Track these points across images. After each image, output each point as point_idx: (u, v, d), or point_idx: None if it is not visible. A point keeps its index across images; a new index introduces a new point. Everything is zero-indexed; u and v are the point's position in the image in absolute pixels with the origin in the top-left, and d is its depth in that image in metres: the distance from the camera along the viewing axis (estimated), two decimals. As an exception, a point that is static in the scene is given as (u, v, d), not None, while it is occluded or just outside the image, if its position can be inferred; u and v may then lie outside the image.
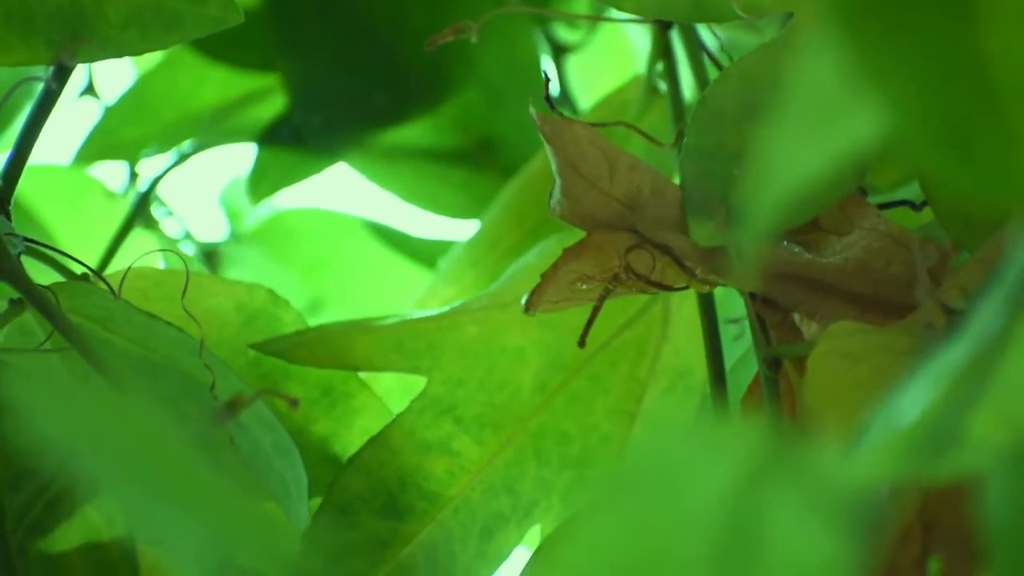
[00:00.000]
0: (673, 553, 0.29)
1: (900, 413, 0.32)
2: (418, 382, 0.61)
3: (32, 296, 0.51)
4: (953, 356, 0.32)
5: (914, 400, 0.32)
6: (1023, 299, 0.31)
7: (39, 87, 0.58)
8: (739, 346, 0.61)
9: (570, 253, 0.50)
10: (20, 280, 0.51)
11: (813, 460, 0.30)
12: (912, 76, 0.29)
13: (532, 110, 0.50)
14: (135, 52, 0.55)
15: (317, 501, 0.59)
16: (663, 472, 0.30)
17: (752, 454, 0.30)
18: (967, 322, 0.33)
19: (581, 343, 0.51)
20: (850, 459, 0.31)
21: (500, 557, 0.60)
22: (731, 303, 0.61)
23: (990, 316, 0.32)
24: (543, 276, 0.50)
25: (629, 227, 0.50)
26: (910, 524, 0.41)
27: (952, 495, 0.40)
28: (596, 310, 0.49)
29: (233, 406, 0.46)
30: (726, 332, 0.58)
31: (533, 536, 0.61)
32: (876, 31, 0.29)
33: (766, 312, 0.50)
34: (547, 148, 0.50)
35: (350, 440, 0.62)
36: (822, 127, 0.30)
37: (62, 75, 0.58)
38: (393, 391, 0.66)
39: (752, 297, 0.51)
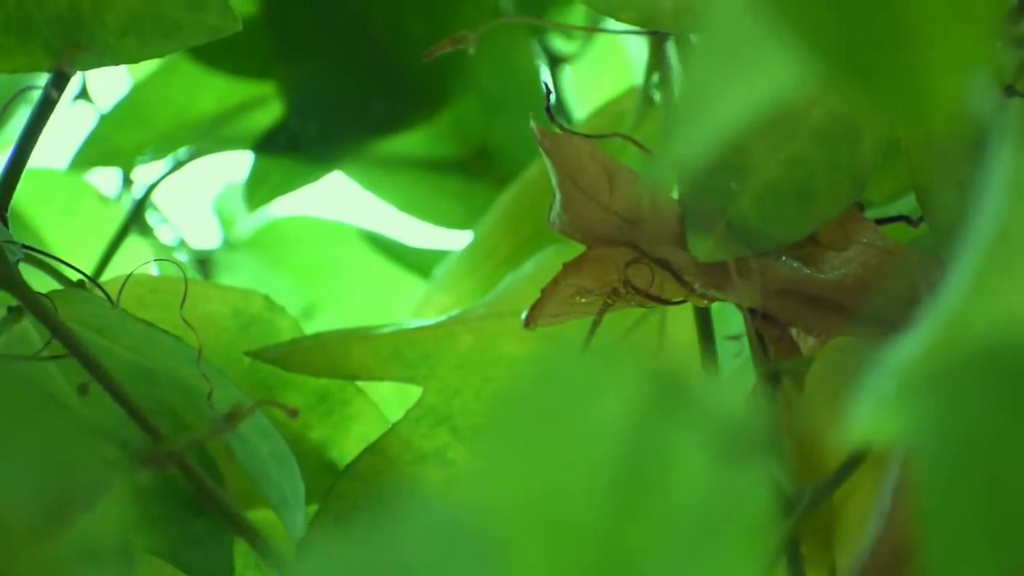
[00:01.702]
0: (568, 488, 0.29)
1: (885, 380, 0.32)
2: (414, 391, 0.61)
3: (31, 304, 0.51)
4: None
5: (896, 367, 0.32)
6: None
7: (36, 97, 0.58)
8: (737, 363, 0.61)
9: (570, 268, 0.50)
10: (19, 288, 0.51)
11: (707, 393, 0.30)
12: (824, 5, 0.29)
13: (532, 124, 0.50)
14: (133, 59, 0.56)
15: (313, 508, 0.59)
16: (557, 406, 0.30)
17: (646, 388, 0.30)
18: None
19: (581, 358, 0.51)
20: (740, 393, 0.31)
21: (495, 567, 0.60)
22: (728, 318, 0.61)
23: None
24: (543, 291, 0.50)
25: (628, 241, 0.50)
26: (909, 542, 0.41)
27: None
28: (595, 324, 0.50)
29: (232, 417, 0.46)
30: (725, 349, 0.58)
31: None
32: None
33: (765, 328, 0.51)
34: (547, 162, 0.50)
35: (347, 447, 0.62)
36: (738, 67, 0.30)
37: (60, 82, 0.58)
38: (390, 399, 0.67)
39: (751, 313, 0.51)
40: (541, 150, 0.50)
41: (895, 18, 0.29)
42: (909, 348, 0.31)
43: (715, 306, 0.56)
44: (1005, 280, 0.31)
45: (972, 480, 0.29)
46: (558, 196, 0.51)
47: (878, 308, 0.50)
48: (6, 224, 0.57)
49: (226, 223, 0.98)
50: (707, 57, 0.31)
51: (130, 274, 0.57)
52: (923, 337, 0.31)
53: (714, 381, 0.30)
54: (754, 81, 0.30)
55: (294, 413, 0.47)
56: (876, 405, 0.31)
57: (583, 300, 0.50)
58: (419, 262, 0.90)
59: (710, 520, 0.29)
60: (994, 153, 0.31)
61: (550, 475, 0.29)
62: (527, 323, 0.50)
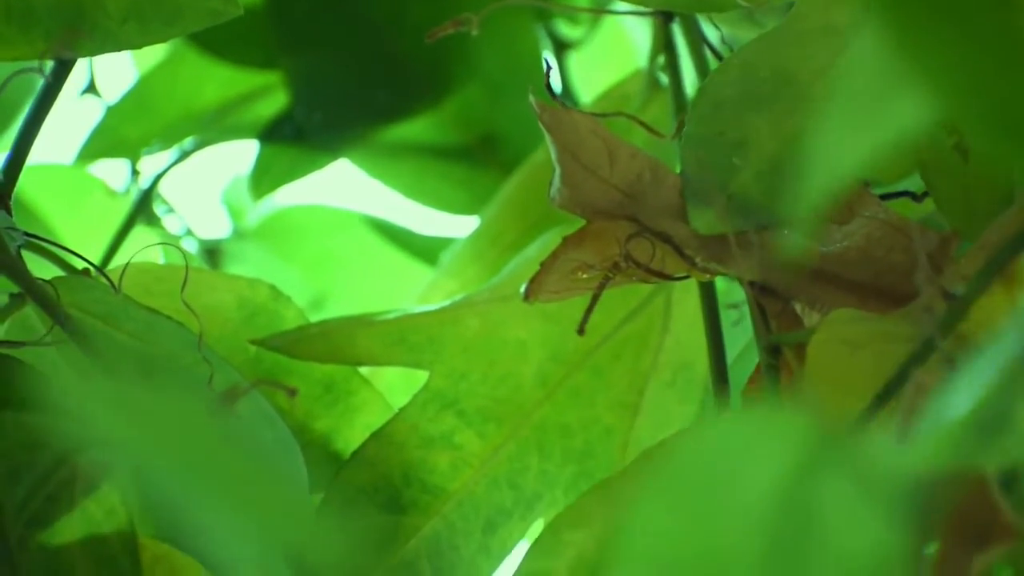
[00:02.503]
0: (725, 547, 0.29)
1: (954, 403, 0.32)
2: (420, 376, 0.61)
3: (32, 290, 0.51)
4: (1006, 346, 0.32)
5: (968, 390, 0.32)
6: None
7: (39, 84, 0.58)
8: (740, 335, 0.60)
9: (570, 241, 0.50)
10: (20, 274, 0.51)
11: (864, 449, 0.30)
12: (957, 59, 0.29)
13: (532, 99, 0.50)
14: (134, 45, 0.55)
15: (318, 497, 0.59)
16: (713, 464, 0.30)
17: (802, 443, 0.30)
18: (1010, 325, 0.32)
19: (580, 331, 0.51)
20: (903, 449, 0.30)
21: (503, 551, 0.60)
22: (732, 294, 0.61)
23: None
24: (543, 264, 0.50)
25: (629, 215, 0.50)
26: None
27: (948, 482, 0.39)
28: (595, 298, 0.49)
29: (230, 396, 0.46)
30: (726, 317, 0.57)
31: (536, 530, 0.61)
32: (920, 16, 0.29)
33: (766, 301, 0.50)
34: (547, 137, 0.50)
35: (352, 436, 0.62)
36: (870, 114, 0.30)
37: (62, 70, 0.58)
38: (395, 385, 0.66)
39: (752, 286, 0.50)
40: (541, 125, 0.50)
41: None
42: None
43: (720, 284, 0.56)
44: None
45: None
46: (558, 170, 0.50)
47: (881, 281, 0.49)
48: (9, 212, 0.56)
49: (235, 214, 0.98)
50: (843, 97, 0.31)
51: (128, 261, 0.57)
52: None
53: (871, 436, 0.30)
54: (885, 124, 0.30)
55: (292, 393, 0.47)
56: (1001, 443, 0.31)
57: (584, 275, 0.50)
58: (426, 249, 0.90)
59: (863, 570, 0.29)
60: None
61: (710, 532, 0.29)
62: (527, 296, 0.50)
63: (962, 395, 0.32)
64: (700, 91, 0.51)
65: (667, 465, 0.30)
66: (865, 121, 0.30)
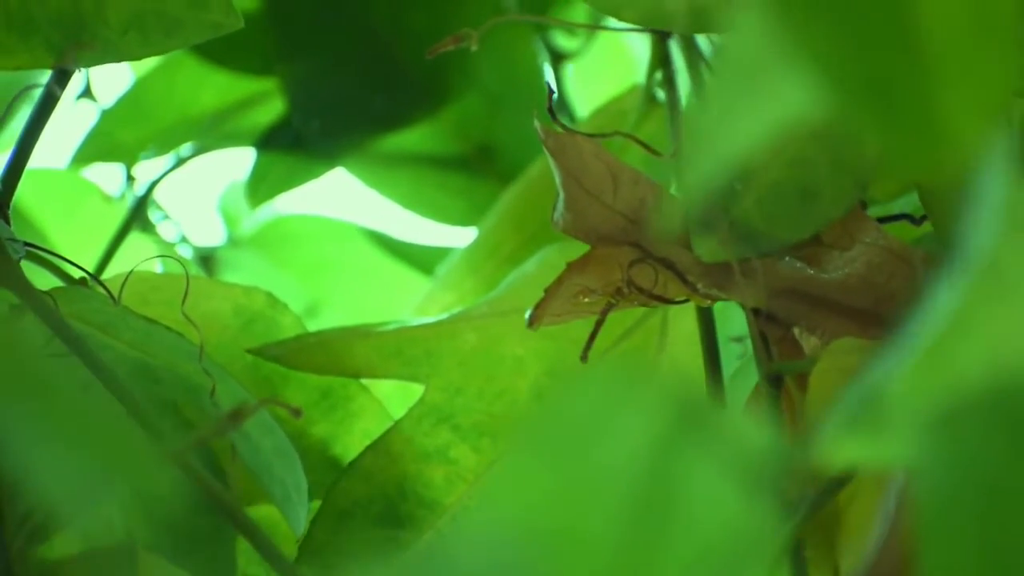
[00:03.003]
0: (587, 511, 0.29)
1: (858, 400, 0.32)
2: (417, 388, 0.61)
3: (33, 302, 0.51)
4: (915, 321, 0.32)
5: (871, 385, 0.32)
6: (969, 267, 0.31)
7: (38, 94, 0.58)
8: (735, 353, 0.61)
9: (574, 267, 0.50)
10: (21, 285, 0.51)
11: (731, 422, 0.30)
12: (841, 39, 0.29)
13: (536, 124, 0.50)
14: (135, 56, 0.55)
15: (317, 503, 0.59)
16: (578, 429, 0.30)
17: (668, 412, 0.30)
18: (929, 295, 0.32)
19: (583, 358, 0.51)
20: (767, 430, 0.31)
21: (496, 565, 0.60)
22: (729, 317, 0.61)
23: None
24: (547, 291, 0.50)
25: (632, 241, 0.50)
26: (916, 545, 0.41)
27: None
28: (599, 324, 0.50)
29: (237, 416, 0.46)
30: (728, 350, 0.58)
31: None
32: None
33: (768, 328, 0.51)
34: (551, 161, 0.50)
35: (350, 443, 0.62)
36: (755, 95, 0.30)
37: (62, 79, 0.58)
38: (392, 397, 0.67)
39: (755, 313, 0.51)
40: (545, 150, 0.50)
41: (915, 58, 0.29)
42: (894, 374, 0.31)
43: (717, 306, 0.56)
44: (993, 313, 0.31)
45: (970, 515, 0.29)
46: (562, 196, 0.50)
47: (881, 308, 0.50)
48: (8, 222, 0.56)
49: (230, 221, 0.98)
50: (725, 81, 0.31)
51: (131, 271, 0.57)
52: (908, 365, 0.31)
53: (743, 417, 0.30)
54: (770, 105, 0.30)
55: (297, 413, 0.47)
56: (864, 432, 0.31)
57: (586, 300, 0.50)
58: (422, 260, 0.90)
59: (723, 549, 0.29)
60: (989, 181, 0.31)
61: (570, 497, 0.29)
62: (531, 323, 0.50)
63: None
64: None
65: (532, 426, 0.30)
66: (749, 102, 0.30)
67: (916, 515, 0.29)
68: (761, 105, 0.30)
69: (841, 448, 0.31)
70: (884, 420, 0.31)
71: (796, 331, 0.51)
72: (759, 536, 0.29)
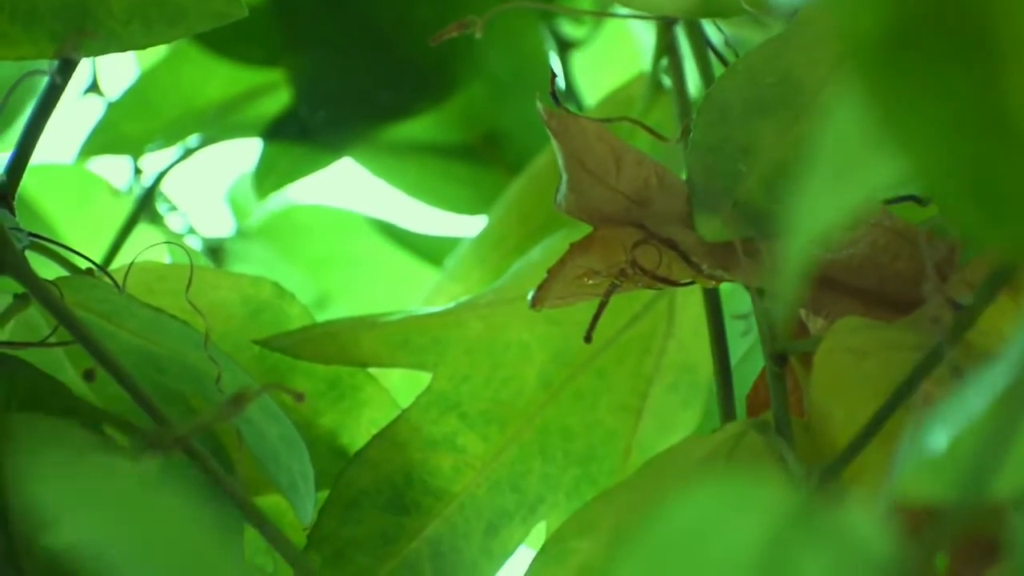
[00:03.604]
0: None
1: (935, 437, 0.32)
2: (424, 378, 0.61)
3: (37, 290, 0.51)
4: (993, 380, 0.32)
5: (949, 424, 0.32)
6: None
7: (42, 84, 0.58)
8: (744, 340, 0.60)
9: (577, 248, 0.50)
10: (25, 275, 0.51)
11: (840, 520, 0.30)
12: (936, 128, 0.29)
13: (539, 106, 0.50)
14: (139, 46, 0.55)
15: (324, 493, 0.59)
16: (689, 531, 0.30)
17: (779, 513, 0.30)
18: (1010, 346, 0.32)
19: (587, 339, 0.51)
20: (878, 521, 0.30)
21: (505, 553, 0.60)
22: (737, 299, 0.61)
23: None
24: (550, 271, 0.50)
25: (635, 222, 0.50)
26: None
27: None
28: (602, 305, 0.49)
29: (239, 400, 0.45)
30: (732, 328, 0.57)
31: (538, 534, 0.61)
32: (900, 83, 0.29)
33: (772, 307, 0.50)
34: (554, 143, 0.50)
35: (357, 432, 0.62)
36: (847, 180, 0.30)
37: (66, 69, 0.58)
38: (399, 387, 0.66)
39: (759, 293, 0.50)
40: (548, 131, 0.50)
41: (1011, 141, 0.29)
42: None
43: (724, 288, 0.56)
44: None
45: None
46: (565, 177, 0.50)
47: (886, 289, 0.49)
48: (13, 212, 0.56)
49: (239, 212, 0.98)
50: (821, 163, 0.31)
51: (133, 260, 0.57)
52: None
53: (851, 508, 0.30)
54: (862, 187, 0.30)
55: (300, 397, 0.47)
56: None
57: (590, 281, 0.50)
58: (430, 250, 0.90)
59: None
60: None
61: None
62: (534, 303, 0.50)
63: (944, 426, 0.32)
64: (706, 97, 0.51)
65: (647, 530, 0.30)
66: (843, 185, 0.30)
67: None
68: (856, 188, 0.30)
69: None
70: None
71: (803, 312, 0.51)
72: None
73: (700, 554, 0.29)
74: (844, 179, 0.30)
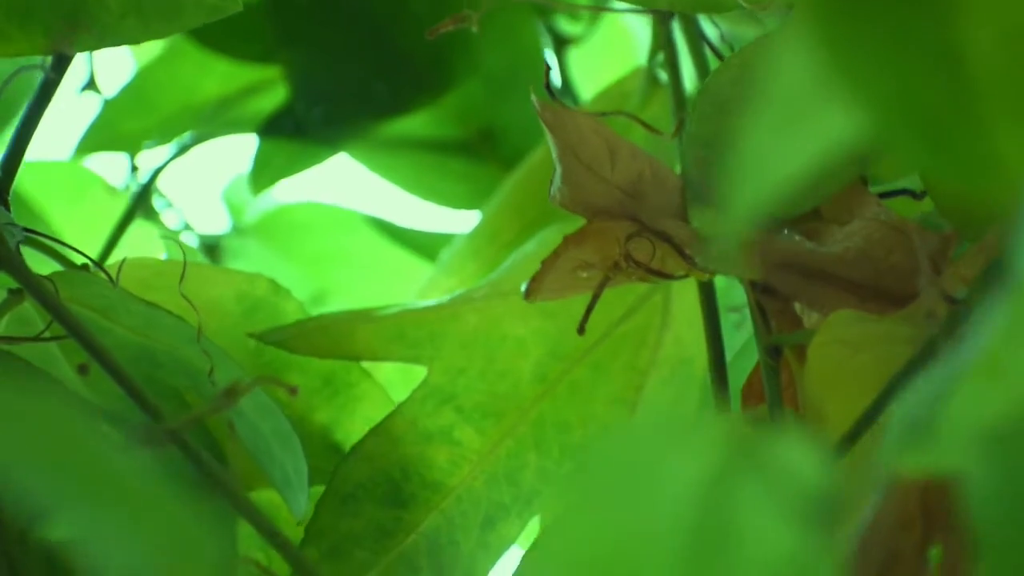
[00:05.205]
0: (644, 550, 0.29)
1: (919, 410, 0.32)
2: (419, 371, 0.61)
3: (31, 285, 0.51)
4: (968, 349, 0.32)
5: (932, 395, 0.32)
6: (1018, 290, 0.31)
7: (38, 81, 0.58)
8: (740, 335, 0.60)
9: (571, 241, 0.50)
10: (19, 269, 0.51)
11: (782, 455, 0.30)
12: (888, 72, 0.29)
13: (533, 98, 0.50)
14: (134, 40, 0.55)
15: (319, 489, 0.59)
16: (632, 468, 0.30)
17: (721, 449, 0.30)
18: (969, 316, 0.32)
19: (580, 330, 0.51)
20: (818, 455, 0.31)
21: (502, 547, 0.60)
22: (732, 292, 0.61)
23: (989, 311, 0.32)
24: (544, 263, 0.50)
25: (629, 215, 0.50)
26: (910, 512, 0.40)
27: (947, 483, 0.39)
28: (595, 297, 0.49)
29: (231, 393, 0.45)
30: (727, 320, 0.57)
31: (534, 527, 0.61)
32: (850, 28, 0.29)
33: (767, 301, 0.50)
34: (548, 135, 0.50)
35: (352, 428, 0.62)
36: (797, 126, 0.30)
37: (61, 64, 0.58)
38: (394, 380, 0.66)
39: (753, 286, 0.50)
40: (543, 123, 0.50)
41: (963, 85, 0.29)
42: (949, 389, 0.31)
43: (719, 282, 0.56)
44: None
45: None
46: (559, 169, 0.50)
47: (880, 282, 0.49)
48: (7, 208, 0.56)
49: (234, 209, 0.98)
50: (768, 110, 0.31)
51: (125, 257, 0.57)
52: (963, 381, 0.31)
53: (788, 442, 0.30)
54: (812, 135, 0.30)
55: (293, 391, 0.47)
56: (920, 445, 0.31)
57: (584, 274, 0.50)
58: (426, 246, 0.90)
59: None
60: None
61: (625, 533, 0.29)
62: (527, 295, 0.50)
63: (929, 394, 0.32)
64: (701, 91, 0.51)
65: (587, 466, 0.30)
66: (793, 132, 0.30)
67: (970, 526, 0.30)
68: (805, 135, 0.30)
69: (899, 461, 0.31)
70: (940, 434, 0.31)
71: (798, 306, 0.51)
72: (814, 564, 0.29)
73: (639, 486, 0.30)
74: (793, 125, 0.30)
